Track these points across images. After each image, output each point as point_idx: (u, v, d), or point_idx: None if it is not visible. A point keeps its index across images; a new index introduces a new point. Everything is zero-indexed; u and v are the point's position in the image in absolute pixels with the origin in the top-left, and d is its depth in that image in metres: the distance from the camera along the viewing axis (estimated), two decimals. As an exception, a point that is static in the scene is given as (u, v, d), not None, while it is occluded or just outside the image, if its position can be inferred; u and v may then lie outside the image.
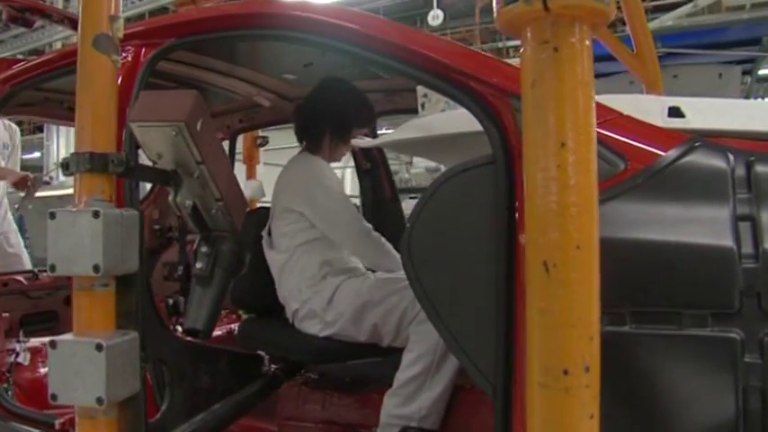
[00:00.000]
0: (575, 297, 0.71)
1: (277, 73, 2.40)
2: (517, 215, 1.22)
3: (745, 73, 7.16)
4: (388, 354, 2.01)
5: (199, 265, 1.59)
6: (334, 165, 2.23)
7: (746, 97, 7.06)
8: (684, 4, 6.57)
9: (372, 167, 2.71)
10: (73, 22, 2.09)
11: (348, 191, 2.50)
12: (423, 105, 1.54)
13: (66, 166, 1.24)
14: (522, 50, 0.79)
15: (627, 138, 1.13)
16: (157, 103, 1.40)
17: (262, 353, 2.00)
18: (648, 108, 1.27)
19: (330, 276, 2.05)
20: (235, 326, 2.75)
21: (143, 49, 1.67)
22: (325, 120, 2.14)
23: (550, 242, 0.72)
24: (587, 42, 0.74)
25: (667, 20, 6.76)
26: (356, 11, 1.53)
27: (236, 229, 1.62)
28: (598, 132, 1.14)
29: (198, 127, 1.41)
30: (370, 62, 1.40)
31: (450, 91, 1.32)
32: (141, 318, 1.28)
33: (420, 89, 1.55)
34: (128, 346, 1.23)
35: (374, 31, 1.38)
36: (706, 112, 1.30)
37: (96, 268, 1.17)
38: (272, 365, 2.08)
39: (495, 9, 0.79)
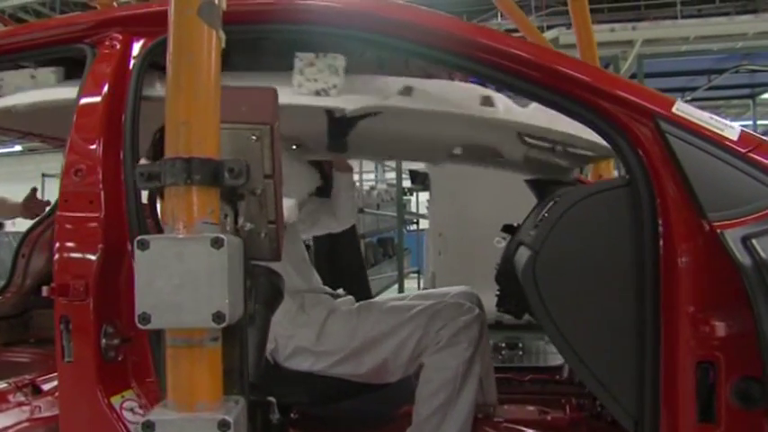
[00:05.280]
0: None
1: None
2: (662, 235, 1.17)
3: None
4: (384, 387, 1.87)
5: (243, 303, 1.27)
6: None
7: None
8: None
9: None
10: None
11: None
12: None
13: (153, 176, 0.89)
14: None
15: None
16: (233, 100, 1.09)
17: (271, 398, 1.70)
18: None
19: (308, 308, 1.88)
20: None
21: (134, 39, 1.40)
22: None
23: None
24: None
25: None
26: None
27: (278, 256, 1.34)
28: (757, 160, 1.13)
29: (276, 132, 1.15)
30: (483, 77, 1.27)
31: (574, 109, 1.24)
32: (247, 378, 0.98)
33: None
34: (242, 418, 0.92)
35: (491, 40, 1.25)
36: None
37: (219, 317, 0.85)
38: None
39: None
